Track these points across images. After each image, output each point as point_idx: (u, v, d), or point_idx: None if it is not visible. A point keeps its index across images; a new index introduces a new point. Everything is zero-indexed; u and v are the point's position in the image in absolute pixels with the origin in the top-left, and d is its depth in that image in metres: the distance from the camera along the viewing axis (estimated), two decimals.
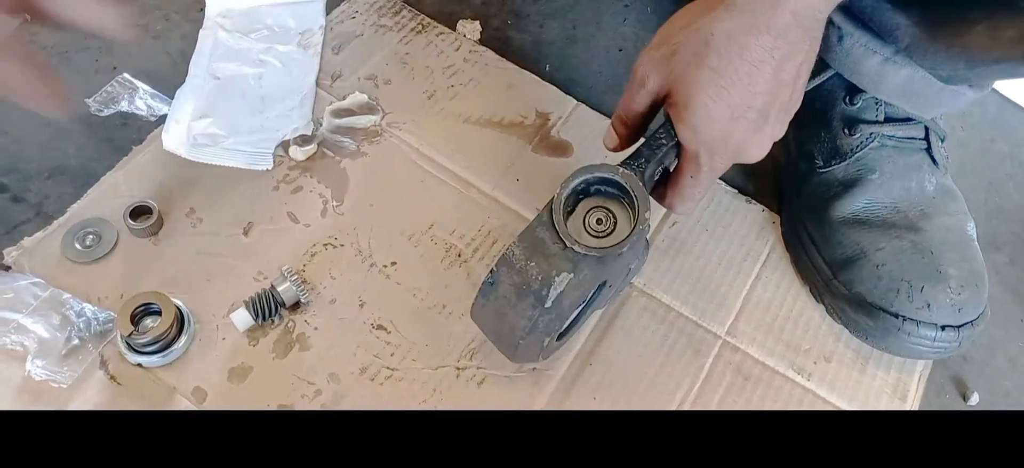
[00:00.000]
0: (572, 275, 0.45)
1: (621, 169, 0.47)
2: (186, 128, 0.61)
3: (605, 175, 0.47)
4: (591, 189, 0.48)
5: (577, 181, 0.47)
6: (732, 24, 0.45)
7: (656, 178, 0.52)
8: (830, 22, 0.59)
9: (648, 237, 0.59)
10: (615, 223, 0.47)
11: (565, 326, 0.53)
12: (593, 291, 0.52)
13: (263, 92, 0.66)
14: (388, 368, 0.55)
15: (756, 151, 0.49)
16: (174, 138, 0.60)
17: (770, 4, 0.43)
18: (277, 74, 0.67)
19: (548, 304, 0.45)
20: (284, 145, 0.64)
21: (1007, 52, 0.52)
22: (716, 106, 0.46)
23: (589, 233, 0.47)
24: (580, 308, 0.53)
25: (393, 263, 0.60)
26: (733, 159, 0.49)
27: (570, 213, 0.48)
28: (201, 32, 0.68)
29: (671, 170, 0.52)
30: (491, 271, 0.47)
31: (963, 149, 0.77)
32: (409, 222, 0.62)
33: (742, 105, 0.46)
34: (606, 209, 0.48)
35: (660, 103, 0.50)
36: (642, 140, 0.51)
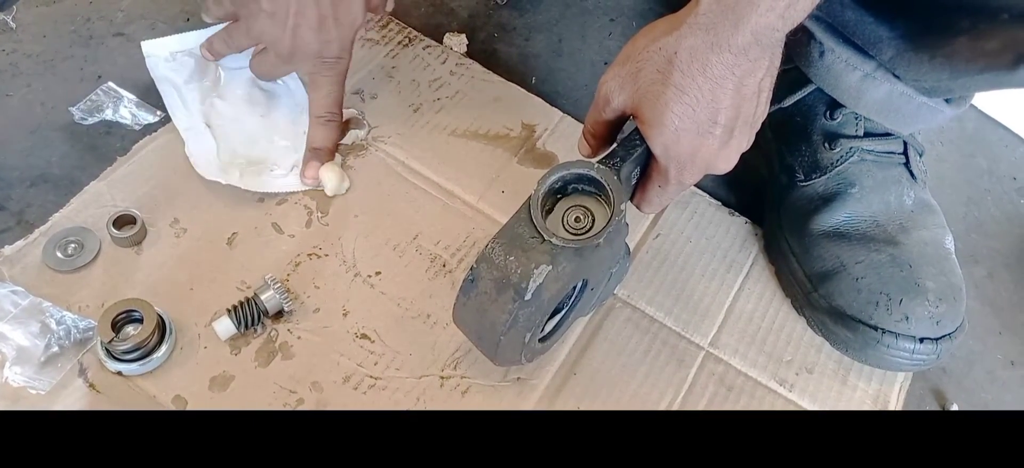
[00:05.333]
0: (551, 267, 0.46)
1: (597, 164, 0.48)
2: (222, 167, 0.62)
3: (581, 171, 0.47)
4: (569, 188, 0.49)
5: (554, 177, 0.47)
6: (695, 42, 0.46)
7: (634, 180, 0.52)
8: (812, 38, 0.60)
9: (631, 247, 0.60)
10: (593, 220, 0.48)
11: (547, 329, 0.53)
12: (573, 289, 0.52)
13: (272, 116, 0.66)
14: (371, 377, 0.55)
15: (724, 164, 0.50)
16: (214, 173, 0.61)
17: (732, 24, 0.44)
18: (276, 98, 0.67)
19: (528, 297, 0.46)
20: None
21: (990, 62, 0.53)
22: (683, 123, 0.47)
23: (567, 230, 0.48)
24: (563, 311, 0.54)
25: (378, 273, 0.60)
26: (702, 172, 0.50)
27: (549, 212, 0.48)
28: (160, 85, 0.65)
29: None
30: (471, 269, 0.47)
31: (942, 164, 0.78)
32: (394, 233, 0.62)
33: (707, 121, 0.47)
34: (584, 207, 0.48)
35: (627, 116, 0.51)
36: (617, 142, 0.52)
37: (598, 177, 0.47)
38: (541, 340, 0.53)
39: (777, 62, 0.48)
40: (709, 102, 0.46)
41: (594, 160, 0.49)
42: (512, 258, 0.46)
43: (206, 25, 0.66)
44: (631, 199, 0.54)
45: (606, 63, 0.79)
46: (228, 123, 0.65)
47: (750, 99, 0.48)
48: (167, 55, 0.67)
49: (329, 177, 0.63)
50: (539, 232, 0.46)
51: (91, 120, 0.65)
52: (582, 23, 0.82)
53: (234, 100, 0.66)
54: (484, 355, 0.52)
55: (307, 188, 0.63)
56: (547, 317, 0.51)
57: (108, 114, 0.65)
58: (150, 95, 0.67)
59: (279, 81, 0.67)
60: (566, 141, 0.70)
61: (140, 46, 0.67)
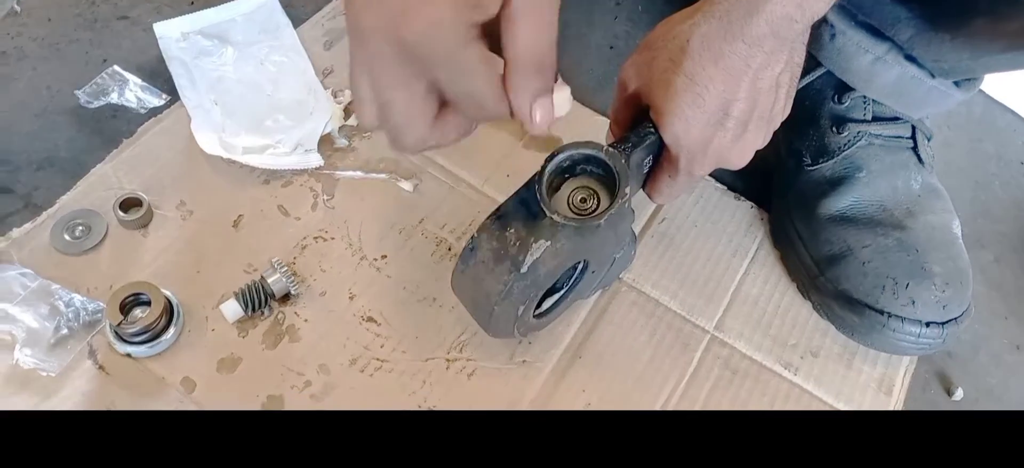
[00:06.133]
0: (549, 243, 0.46)
1: (607, 148, 0.48)
2: (226, 144, 0.61)
3: (589, 152, 0.47)
4: (578, 168, 0.48)
5: (563, 156, 0.47)
6: (708, 29, 0.45)
7: (646, 168, 0.52)
8: (823, 20, 0.59)
9: (636, 231, 0.60)
10: (598, 202, 0.48)
11: (544, 305, 0.53)
12: (572, 268, 0.52)
13: (278, 95, 0.66)
14: (378, 360, 0.55)
15: (737, 158, 0.49)
16: (217, 148, 0.61)
17: (746, 12, 0.43)
18: (283, 77, 0.67)
19: (524, 269, 0.46)
20: (325, 139, 0.64)
21: (1012, 42, 0.52)
22: (693, 112, 0.46)
23: (572, 209, 0.48)
24: (562, 291, 0.54)
25: (383, 256, 0.60)
26: (713, 165, 0.50)
27: (556, 190, 0.48)
28: (171, 65, 0.66)
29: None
30: (471, 238, 0.48)
31: (950, 149, 0.78)
32: (400, 216, 0.62)
33: (718, 112, 0.46)
34: (591, 189, 0.48)
35: (645, 104, 0.51)
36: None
37: (606, 160, 0.47)
38: (537, 316, 0.53)
39: (799, 58, 0.47)
40: (720, 93, 0.45)
41: (606, 143, 0.49)
42: (512, 230, 0.47)
43: (218, 4, 0.66)
44: (643, 187, 0.54)
45: (611, 47, 0.78)
46: (235, 100, 0.65)
47: (767, 94, 0.47)
48: (178, 36, 0.67)
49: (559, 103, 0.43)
50: (541, 208, 0.46)
51: (97, 103, 0.65)
52: (588, 7, 0.81)
53: (243, 77, 0.66)
54: (478, 324, 0.52)
55: (311, 168, 0.63)
56: (543, 292, 0.51)
57: (114, 97, 0.65)
58: (155, 78, 0.67)
59: (288, 58, 0.67)
60: (572, 125, 0.70)
61: (145, 30, 0.67)
